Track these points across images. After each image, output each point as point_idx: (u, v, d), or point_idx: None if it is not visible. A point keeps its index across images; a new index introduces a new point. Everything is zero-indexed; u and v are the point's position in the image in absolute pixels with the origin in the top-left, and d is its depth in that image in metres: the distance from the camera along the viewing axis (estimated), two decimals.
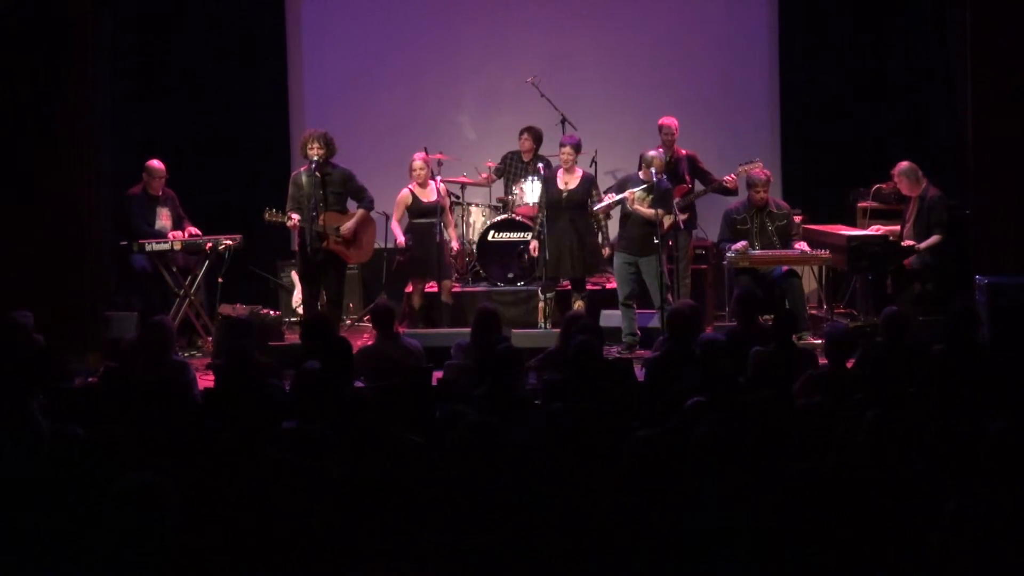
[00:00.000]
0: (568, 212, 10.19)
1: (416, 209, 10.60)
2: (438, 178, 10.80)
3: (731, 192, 10.95)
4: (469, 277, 11.49)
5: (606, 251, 10.43)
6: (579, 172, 10.33)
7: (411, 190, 10.63)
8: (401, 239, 10.64)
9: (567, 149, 10.28)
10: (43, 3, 9.68)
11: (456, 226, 11.29)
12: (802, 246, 10.19)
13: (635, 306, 10.17)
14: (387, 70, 12.48)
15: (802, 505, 4.57)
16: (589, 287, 10.86)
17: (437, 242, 10.42)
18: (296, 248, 10.19)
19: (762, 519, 4.43)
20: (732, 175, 10.83)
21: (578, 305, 10.14)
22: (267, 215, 9.86)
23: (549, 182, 10.33)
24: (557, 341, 8.13)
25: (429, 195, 10.58)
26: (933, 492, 4.56)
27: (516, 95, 12.08)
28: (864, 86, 12.18)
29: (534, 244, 10.44)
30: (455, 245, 11.00)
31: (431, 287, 10.74)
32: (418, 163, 10.64)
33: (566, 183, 10.25)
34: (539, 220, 10.34)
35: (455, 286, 10.96)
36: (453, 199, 11.45)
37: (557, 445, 5.27)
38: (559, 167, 10.34)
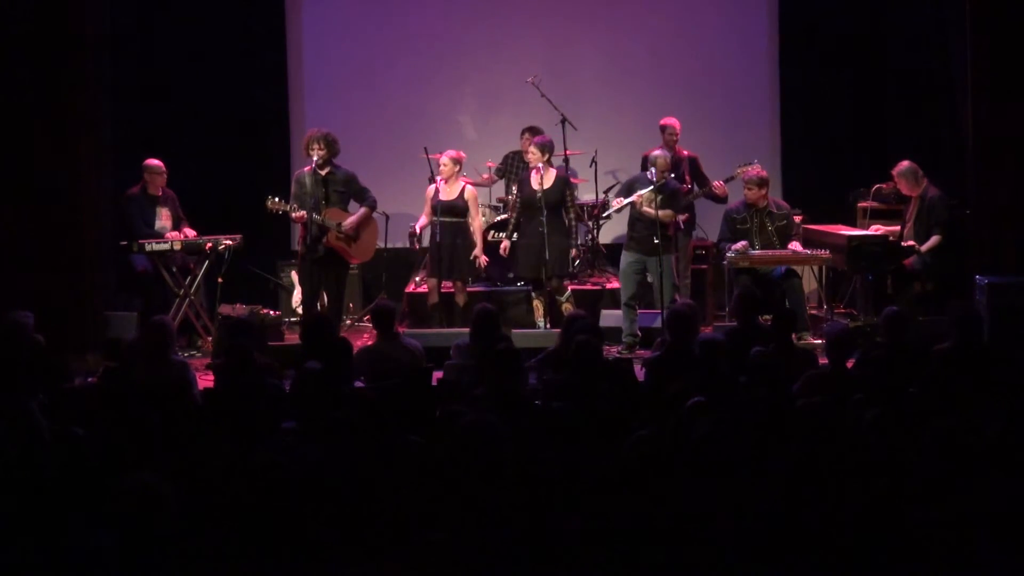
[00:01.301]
0: (542, 212, 10.09)
1: (437, 206, 10.46)
2: (440, 178, 10.63)
3: (720, 200, 10.98)
4: (470, 277, 11.45)
5: (573, 252, 10.32)
6: (553, 172, 10.27)
7: (437, 186, 10.53)
8: (420, 224, 10.60)
9: (532, 148, 10.26)
10: (43, 3, 9.68)
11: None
12: (795, 246, 10.16)
13: (637, 307, 10.16)
14: (387, 70, 12.48)
15: (802, 505, 4.57)
16: (588, 287, 10.83)
17: (438, 241, 10.36)
18: (298, 247, 10.14)
19: (762, 519, 4.43)
20: (720, 182, 10.88)
21: (566, 307, 10.09)
22: (269, 203, 9.85)
23: (524, 183, 10.30)
24: (557, 341, 8.13)
25: (452, 193, 10.49)
26: (933, 492, 4.56)
27: (516, 95, 12.07)
28: (864, 86, 12.18)
29: (505, 244, 10.40)
30: (478, 250, 10.66)
31: (447, 287, 10.63)
32: (444, 159, 10.51)
33: (540, 184, 10.20)
34: (513, 220, 10.32)
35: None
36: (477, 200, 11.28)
37: (557, 445, 5.28)
38: (534, 167, 10.25)
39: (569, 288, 10.47)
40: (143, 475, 4.20)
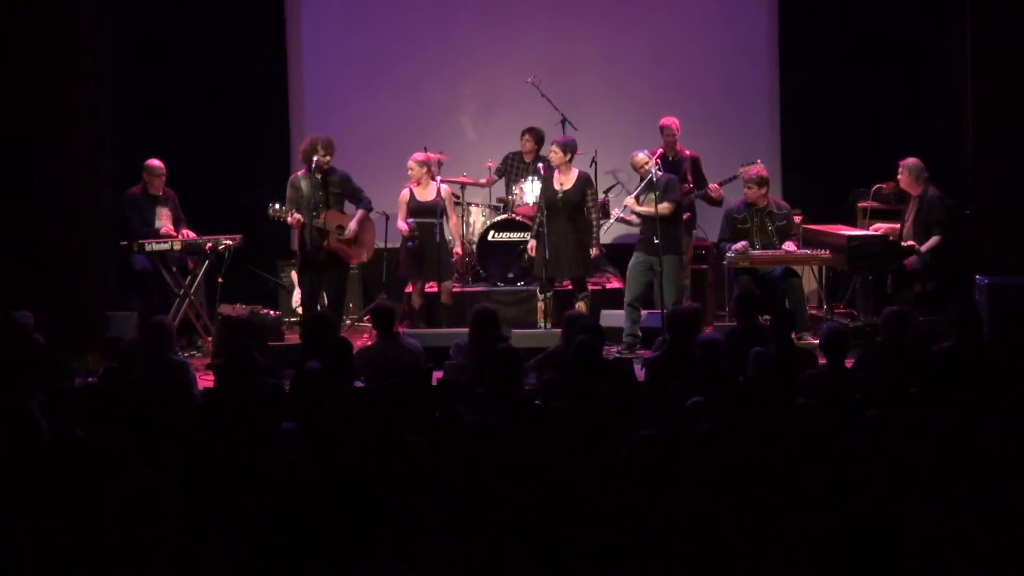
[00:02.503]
0: (564, 212, 10.12)
1: (414, 208, 10.56)
2: (439, 178, 10.72)
3: (715, 203, 10.99)
4: (469, 277, 11.47)
5: (594, 251, 10.30)
6: (575, 172, 10.26)
7: (411, 189, 10.60)
8: (404, 227, 10.57)
9: (554, 148, 10.27)
10: (44, 3, 9.68)
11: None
12: (788, 246, 10.14)
13: (640, 308, 10.14)
14: (387, 70, 12.47)
15: (801, 505, 4.57)
16: (589, 287, 10.83)
17: (436, 242, 10.39)
18: (296, 247, 10.13)
19: (761, 519, 4.43)
20: (714, 184, 10.89)
21: (580, 305, 10.10)
22: (271, 211, 9.84)
23: (547, 182, 10.32)
24: (557, 341, 8.13)
25: (427, 195, 10.53)
26: (933, 492, 4.56)
27: (516, 95, 12.07)
28: (864, 86, 12.18)
29: (532, 244, 10.40)
30: (458, 248, 10.88)
31: (431, 287, 10.70)
32: (410, 163, 10.57)
33: (562, 184, 10.19)
34: (537, 220, 10.32)
35: (455, 286, 10.92)
36: (453, 199, 11.36)
37: (557, 445, 5.28)
38: (556, 167, 10.27)
39: (589, 287, 10.48)
40: (143, 475, 4.20)
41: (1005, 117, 9.92)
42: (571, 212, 10.13)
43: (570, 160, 10.24)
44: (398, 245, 11.45)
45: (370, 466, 4.96)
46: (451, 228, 10.66)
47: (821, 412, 5.87)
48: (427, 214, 10.43)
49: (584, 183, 10.23)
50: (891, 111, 12.07)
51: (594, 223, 10.22)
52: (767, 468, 4.85)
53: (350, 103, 12.37)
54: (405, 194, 10.60)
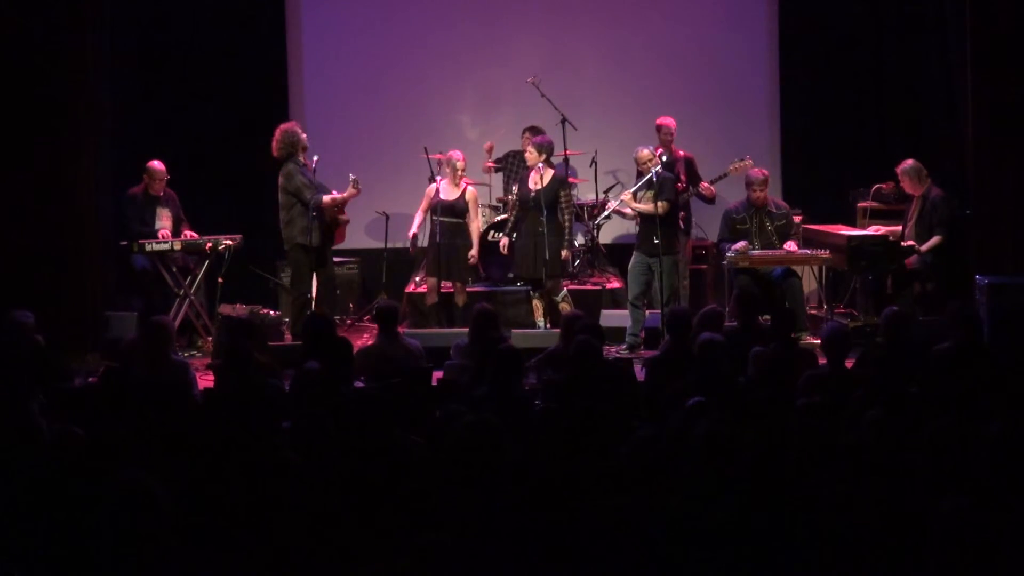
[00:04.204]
0: (535, 212, 10.09)
1: (438, 206, 10.45)
2: (441, 178, 10.67)
3: (709, 201, 10.99)
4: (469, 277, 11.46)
5: (564, 254, 10.26)
6: (550, 172, 10.24)
7: (438, 185, 10.53)
8: (414, 229, 10.58)
9: (529, 148, 10.27)
10: (44, 4, 9.68)
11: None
12: (789, 246, 10.15)
13: (644, 307, 10.13)
14: (387, 70, 12.47)
15: (801, 505, 4.57)
16: (588, 287, 10.82)
17: (438, 242, 10.37)
18: (302, 239, 9.95)
19: (761, 519, 4.43)
20: (706, 183, 10.89)
21: (563, 307, 10.07)
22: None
23: (523, 181, 10.32)
24: (557, 341, 8.13)
25: (454, 194, 10.50)
26: (933, 492, 4.56)
27: (516, 95, 12.07)
28: (864, 86, 12.19)
29: (504, 241, 10.41)
30: (474, 251, 10.79)
31: (447, 287, 10.64)
32: (461, 162, 10.49)
33: (536, 183, 10.18)
34: (511, 219, 10.32)
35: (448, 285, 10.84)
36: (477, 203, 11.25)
37: (556, 445, 5.28)
38: (533, 167, 10.24)
39: (565, 288, 10.45)
40: (134, 474, 4.19)
41: (1005, 117, 9.92)
42: (544, 212, 10.08)
43: (546, 160, 10.21)
44: (399, 245, 11.47)
45: (370, 466, 4.96)
46: (473, 230, 10.60)
47: (821, 412, 5.87)
48: (451, 213, 10.41)
49: (558, 184, 10.19)
50: (891, 111, 12.07)
51: (567, 225, 10.18)
52: (767, 468, 4.85)
53: (350, 103, 12.38)
54: (432, 189, 10.54)
